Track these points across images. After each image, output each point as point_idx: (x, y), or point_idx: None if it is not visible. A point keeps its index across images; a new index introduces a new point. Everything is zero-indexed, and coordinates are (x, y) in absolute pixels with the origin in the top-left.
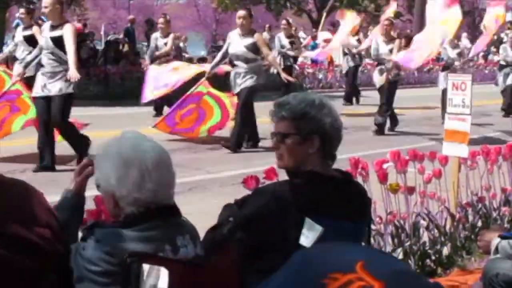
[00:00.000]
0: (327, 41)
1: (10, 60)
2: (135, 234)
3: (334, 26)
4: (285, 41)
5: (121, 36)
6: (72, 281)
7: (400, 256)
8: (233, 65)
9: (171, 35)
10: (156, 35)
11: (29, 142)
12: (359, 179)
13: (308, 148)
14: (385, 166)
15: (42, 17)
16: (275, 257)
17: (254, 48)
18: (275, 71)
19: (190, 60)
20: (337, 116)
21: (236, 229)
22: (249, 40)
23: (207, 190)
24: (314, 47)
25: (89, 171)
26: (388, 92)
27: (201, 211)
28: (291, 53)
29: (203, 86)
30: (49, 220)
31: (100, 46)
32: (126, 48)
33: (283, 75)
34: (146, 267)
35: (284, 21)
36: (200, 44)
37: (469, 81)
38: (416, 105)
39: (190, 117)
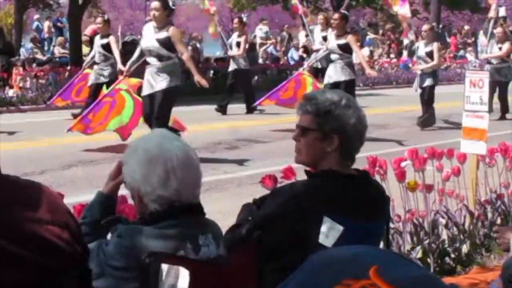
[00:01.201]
0: None
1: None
2: (156, 232)
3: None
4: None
5: (138, 37)
6: (90, 282)
7: (419, 255)
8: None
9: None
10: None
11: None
12: (377, 178)
13: (327, 146)
14: (403, 164)
15: (61, 18)
16: (294, 256)
17: (168, 44)
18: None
19: (207, 60)
20: (362, 120)
21: (255, 229)
22: (163, 34)
23: (225, 190)
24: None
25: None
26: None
27: (219, 211)
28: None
29: (124, 84)
30: (67, 221)
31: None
32: None
33: (196, 78)
34: (165, 266)
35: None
36: (217, 44)
37: (486, 78)
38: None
39: (101, 111)
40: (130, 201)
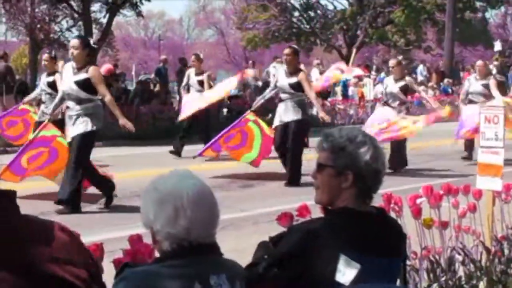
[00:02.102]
0: (358, 77)
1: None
2: (164, 271)
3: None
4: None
5: (152, 76)
6: None
7: None
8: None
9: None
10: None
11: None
12: (393, 214)
13: (341, 182)
14: (418, 201)
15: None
16: None
17: (87, 86)
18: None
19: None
20: (379, 158)
21: (272, 267)
22: (82, 76)
23: (241, 228)
24: (345, 82)
25: None
26: None
27: (235, 249)
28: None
29: (53, 130)
30: (86, 261)
31: (131, 86)
32: (157, 87)
33: (121, 122)
34: None
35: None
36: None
37: (501, 114)
38: (447, 139)
39: (39, 160)
40: (145, 240)
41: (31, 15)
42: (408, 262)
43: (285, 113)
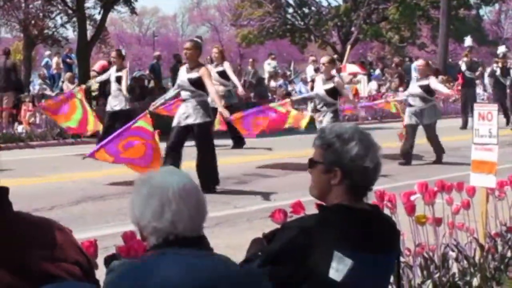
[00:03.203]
0: (353, 74)
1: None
2: None
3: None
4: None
5: (147, 72)
6: None
7: None
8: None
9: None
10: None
11: (51, 180)
12: (386, 211)
13: (330, 179)
14: (412, 198)
15: (69, 54)
16: None
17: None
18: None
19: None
20: (367, 154)
21: (266, 264)
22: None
23: (235, 225)
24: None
25: None
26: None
27: (229, 245)
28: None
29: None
30: (78, 258)
31: None
32: (151, 84)
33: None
34: None
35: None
36: None
37: (495, 111)
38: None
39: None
40: (139, 236)
41: (25, 11)
42: (402, 259)
43: (185, 115)
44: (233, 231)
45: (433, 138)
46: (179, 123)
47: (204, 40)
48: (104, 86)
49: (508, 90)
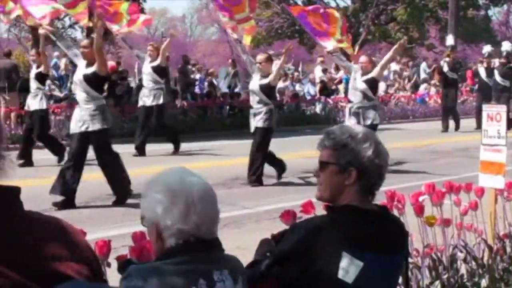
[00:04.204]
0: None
1: None
2: (167, 268)
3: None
4: None
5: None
6: None
7: None
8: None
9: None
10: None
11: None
12: (395, 212)
13: (345, 179)
14: (421, 199)
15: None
16: None
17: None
18: None
19: (224, 95)
20: (381, 154)
21: (274, 265)
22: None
23: (243, 226)
24: (347, 80)
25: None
26: None
27: (237, 246)
28: None
29: None
30: (88, 257)
31: (134, 84)
32: None
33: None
34: None
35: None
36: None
37: (504, 112)
38: (450, 136)
39: None
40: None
41: None
42: (410, 260)
43: (79, 121)
44: (241, 232)
45: None
46: (72, 130)
47: (213, 41)
48: (114, 87)
49: (492, 91)
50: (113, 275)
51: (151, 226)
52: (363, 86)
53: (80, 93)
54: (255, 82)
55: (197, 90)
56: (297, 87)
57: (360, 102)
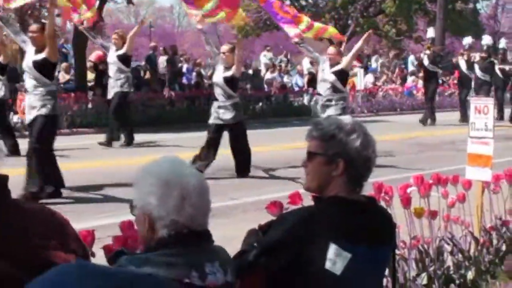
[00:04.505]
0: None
1: None
2: (160, 259)
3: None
4: None
5: (143, 63)
6: None
7: (424, 281)
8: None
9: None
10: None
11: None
12: (382, 204)
13: (332, 170)
14: (408, 190)
15: (65, 45)
16: (300, 282)
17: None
18: None
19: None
20: (369, 145)
21: (261, 255)
22: None
23: (230, 216)
24: None
25: None
26: None
27: (224, 237)
28: None
29: None
30: (75, 247)
31: None
32: (147, 75)
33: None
34: None
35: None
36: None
37: (491, 105)
38: (437, 129)
39: None
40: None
41: None
42: (397, 252)
43: (28, 108)
44: (228, 223)
45: None
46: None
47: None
48: (101, 76)
49: (473, 84)
50: None
51: (142, 216)
52: (332, 77)
53: (29, 80)
54: (219, 74)
55: (184, 80)
56: (285, 78)
57: (330, 94)
